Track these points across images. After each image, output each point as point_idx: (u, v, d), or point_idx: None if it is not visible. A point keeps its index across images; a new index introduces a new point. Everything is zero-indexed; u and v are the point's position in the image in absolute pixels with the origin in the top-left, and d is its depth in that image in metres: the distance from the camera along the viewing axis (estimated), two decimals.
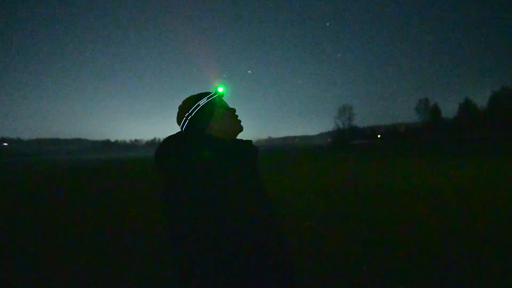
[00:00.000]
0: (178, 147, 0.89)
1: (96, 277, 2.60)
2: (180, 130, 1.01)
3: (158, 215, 4.61)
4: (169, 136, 0.97)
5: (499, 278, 2.26)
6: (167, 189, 0.81)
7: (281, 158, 22.56)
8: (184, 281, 0.74)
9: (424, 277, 2.33)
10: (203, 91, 1.04)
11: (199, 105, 0.97)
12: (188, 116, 0.96)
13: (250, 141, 1.02)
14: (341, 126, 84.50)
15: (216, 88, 1.02)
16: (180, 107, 1.00)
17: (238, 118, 1.02)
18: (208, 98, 0.98)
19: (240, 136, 1.02)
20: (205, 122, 0.96)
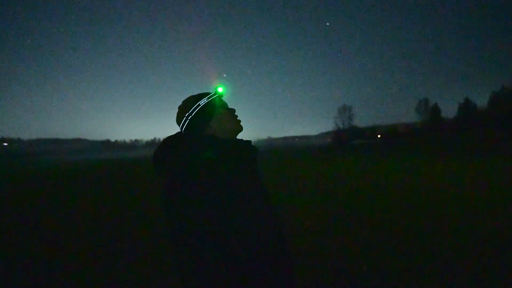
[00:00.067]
0: (179, 147, 0.89)
1: (96, 278, 2.60)
2: (179, 130, 1.01)
3: (158, 216, 4.61)
4: (169, 136, 0.97)
5: (499, 278, 2.27)
6: (168, 189, 0.81)
7: (281, 158, 22.56)
8: (185, 281, 0.74)
9: (424, 277, 2.33)
10: (203, 91, 1.04)
11: (199, 105, 0.97)
12: (188, 116, 0.96)
13: (250, 141, 1.02)
14: (341, 126, 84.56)
15: (216, 88, 1.02)
16: (180, 107, 1.00)
17: (238, 118, 1.02)
18: (208, 98, 0.99)
19: (240, 136, 1.03)
20: (205, 122, 0.96)
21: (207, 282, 0.73)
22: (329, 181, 8.07)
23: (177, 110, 1.02)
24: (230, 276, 0.77)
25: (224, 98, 1.05)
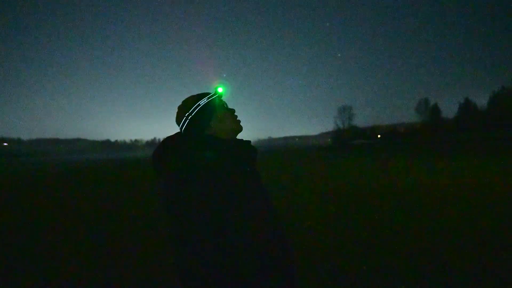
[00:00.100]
0: (179, 147, 0.89)
1: (96, 278, 2.60)
2: (179, 130, 1.00)
3: (158, 216, 4.61)
4: (168, 136, 0.96)
5: (499, 278, 2.27)
6: (168, 189, 0.81)
7: (281, 158, 22.56)
8: (186, 282, 0.74)
9: (424, 277, 2.33)
10: (203, 91, 1.04)
11: (199, 105, 0.97)
12: (188, 116, 0.96)
13: (249, 141, 1.03)
14: (341, 126, 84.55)
15: (216, 88, 1.02)
16: (179, 107, 1.00)
17: (238, 119, 1.02)
18: (208, 98, 0.99)
19: (240, 136, 1.03)
20: (205, 122, 0.96)
21: (207, 282, 0.73)
22: (329, 181, 8.08)
23: (176, 110, 1.01)
24: (231, 276, 0.76)
25: (224, 98, 1.05)
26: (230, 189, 0.83)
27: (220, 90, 1.02)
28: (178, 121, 1.00)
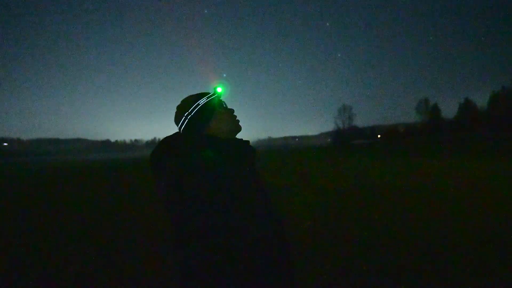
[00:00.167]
0: (179, 147, 0.89)
1: (97, 278, 2.60)
2: (177, 130, 1.00)
3: (158, 216, 4.61)
4: (167, 136, 0.95)
5: (499, 278, 2.26)
6: (168, 189, 0.80)
7: (281, 158, 22.57)
8: (186, 282, 0.74)
9: (424, 277, 2.33)
10: (202, 91, 1.04)
11: (198, 104, 0.96)
12: (187, 115, 0.96)
13: (248, 141, 1.02)
14: (341, 126, 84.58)
15: (215, 88, 1.02)
16: (178, 107, 1.00)
17: (237, 118, 1.02)
18: (207, 98, 0.98)
19: (239, 135, 1.03)
20: (205, 121, 0.96)
21: (208, 282, 0.73)
22: (329, 181, 8.07)
23: (175, 110, 1.01)
24: (231, 276, 0.76)
25: (223, 98, 1.04)
26: (230, 189, 0.83)
27: (219, 90, 1.02)
28: (177, 121, 0.99)
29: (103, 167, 20.18)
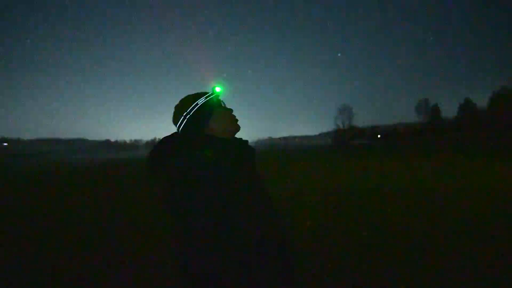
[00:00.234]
0: (178, 147, 0.88)
1: (97, 278, 2.61)
2: (176, 130, 0.99)
3: (157, 216, 4.61)
4: (165, 136, 0.95)
5: (499, 278, 2.27)
6: (168, 189, 0.80)
7: (281, 158, 22.56)
8: (187, 281, 0.74)
9: (424, 277, 2.33)
10: (201, 91, 1.03)
11: (197, 104, 0.96)
12: (186, 115, 0.95)
13: (247, 141, 1.02)
14: (341, 126, 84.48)
15: (214, 87, 1.01)
16: (177, 107, 0.99)
17: (236, 118, 1.02)
18: (206, 98, 0.98)
19: (239, 135, 1.03)
20: (204, 121, 0.95)
21: (208, 281, 0.73)
22: (329, 181, 8.08)
23: (173, 110, 1.00)
24: (231, 275, 0.76)
25: (222, 98, 1.04)
26: (230, 188, 0.83)
27: (217, 89, 1.01)
28: (175, 121, 0.99)
29: (103, 167, 20.17)
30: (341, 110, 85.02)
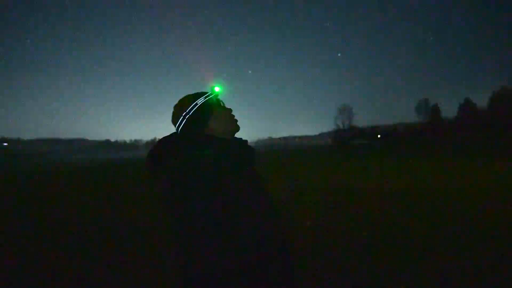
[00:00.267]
0: (178, 147, 0.88)
1: (96, 279, 2.61)
2: (175, 130, 0.99)
3: (157, 216, 4.61)
4: (164, 137, 0.95)
5: (499, 278, 2.27)
6: (170, 189, 0.80)
7: (281, 158, 22.56)
8: (189, 280, 0.74)
9: (424, 277, 2.33)
10: (200, 91, 1.02)
11: (197, 104, 0.95)
12: (185, 115, 0.95)
13: (246, 141, 1.02)
14: (341, 126, 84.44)
15: (213, 87, 1.01)
16: (176, 107, 0.98)
17: (235, 118, 1.01)
18: (205, 98, 0.97)
19: (239, 135, 1.03)
20: (203, 121, 0.95)
21: (208, 281, 0.73)
22: (329, 181, 8.08)
23: (172, 110, 1.00)
24: (231, 275, 0.76)
25: (221, 98, 1.03)
26: (230, 188, 0.83)
27: (217, 89, 1.01)
28: (174, 121, 0.98)
29: (103, 167, 20.17)
30: (341, 110, 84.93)
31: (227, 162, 0.87)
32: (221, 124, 0.96)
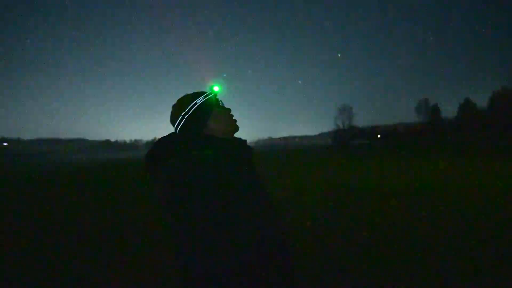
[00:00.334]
0: (177, 147, 0.87)
1: (96, 279, 2.61)
2: (173, 130, 0.98)
3: (156, 216, 4.61)
4: (163, 137, 0.94)
5: (498, 278, 2.27)
6: (170, 189, 0.79)
7: (281, 158, 22.56)
8: (189, 279, 0.74)
9: (424, 277, 2.33)
10: (198, 90, 1.02)
11: (196, 103, 0.94)
12: (184, 115, 0.94)
13: (245, 140, 1.02)
14: (341, 126, 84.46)
15: (212, 87, 1.00)
16: (174, 106, 0.98)
17: (234, 118, 1.01)
18: (204, 97, 0.97)
19: (239, 135, 1.03)
20: (203, 121, 0.94)
21: (208, 281, 0.73)
22: (329, 181, 8.07)
23: (171, 110, 0.99)
24: (231, 275, 0.76)
25: (220, 97, 1.03)
26: (229, 188, 0.83)
27: (216, 88, 1.00)
28: (173, 121, 0.97)
29: (102, 167, 20.17)
30: (341, 110, 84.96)
31: (226, 162, 0.87)
32: (220, 124, 0.96)
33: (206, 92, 0.99)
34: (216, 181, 0.81)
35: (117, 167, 19.33)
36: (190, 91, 1.00)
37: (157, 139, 0.96)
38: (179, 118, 0.94)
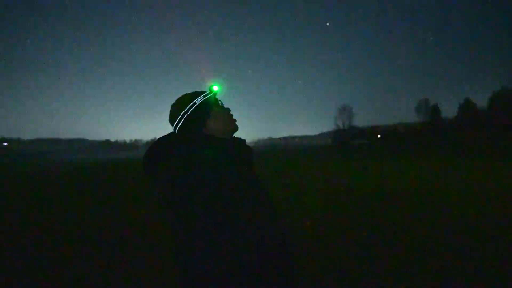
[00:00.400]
0: (178, 146, 0.87)
1: (96, 280, 2.61)
2: (173, 130, 0.98)
3: (156, 216, 4.61)
4: (162, 136, 0.94)
5: (498, 278, 2.27)
6: (170, 189, 0.79)
7: (281, 158, 22.56)
8: (188, 279, 0.74)
9: (424, 277, 2.33)
10: (198, 90, 1.01)
11: (195, 103, 0.94)
12: (183, 115, 0.93)
13: (244, 140, 1.02)
14: (341, 126, 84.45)
15: (211, 86, 1.00)
16: (173, 106, 0.97)
17: (233, 118, 1.01)
18: (203, 97, 0.96)
19: (239, 135, 1.03)
20: (202, 120, 0.94)
21: (208, 281, 0.73)
22: (329, 181, 8.07)
23: (170, 109, 0.99)
24: (231, 275, 0.76)
25: (220, 97, 1.02)
26: (229, 188, 0.82)
27: (215, 88, 1.00)
28: (171, 120, 0.97)
29: (102, 167, 20.18)
30: (341, 110, 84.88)
31: (225, 162, 0.86)
32: (219, 124, 0.95)
33: (205, 92, 0.98)
34: (215, 181, 0.80)
35: (117, 167, 19.34)
36: (190, 91, 1.00)
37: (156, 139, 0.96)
38: (178, 118, 0.94)
